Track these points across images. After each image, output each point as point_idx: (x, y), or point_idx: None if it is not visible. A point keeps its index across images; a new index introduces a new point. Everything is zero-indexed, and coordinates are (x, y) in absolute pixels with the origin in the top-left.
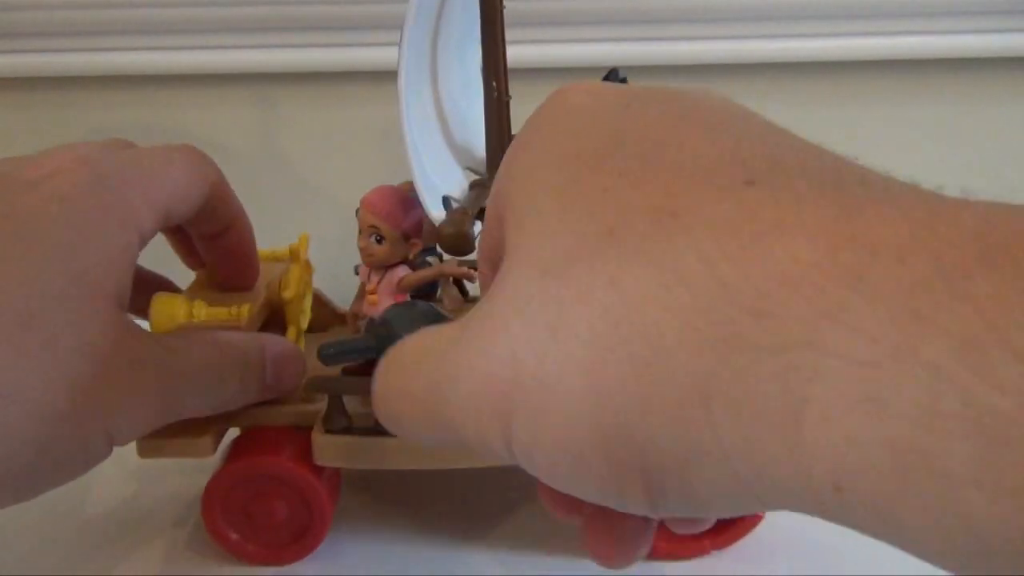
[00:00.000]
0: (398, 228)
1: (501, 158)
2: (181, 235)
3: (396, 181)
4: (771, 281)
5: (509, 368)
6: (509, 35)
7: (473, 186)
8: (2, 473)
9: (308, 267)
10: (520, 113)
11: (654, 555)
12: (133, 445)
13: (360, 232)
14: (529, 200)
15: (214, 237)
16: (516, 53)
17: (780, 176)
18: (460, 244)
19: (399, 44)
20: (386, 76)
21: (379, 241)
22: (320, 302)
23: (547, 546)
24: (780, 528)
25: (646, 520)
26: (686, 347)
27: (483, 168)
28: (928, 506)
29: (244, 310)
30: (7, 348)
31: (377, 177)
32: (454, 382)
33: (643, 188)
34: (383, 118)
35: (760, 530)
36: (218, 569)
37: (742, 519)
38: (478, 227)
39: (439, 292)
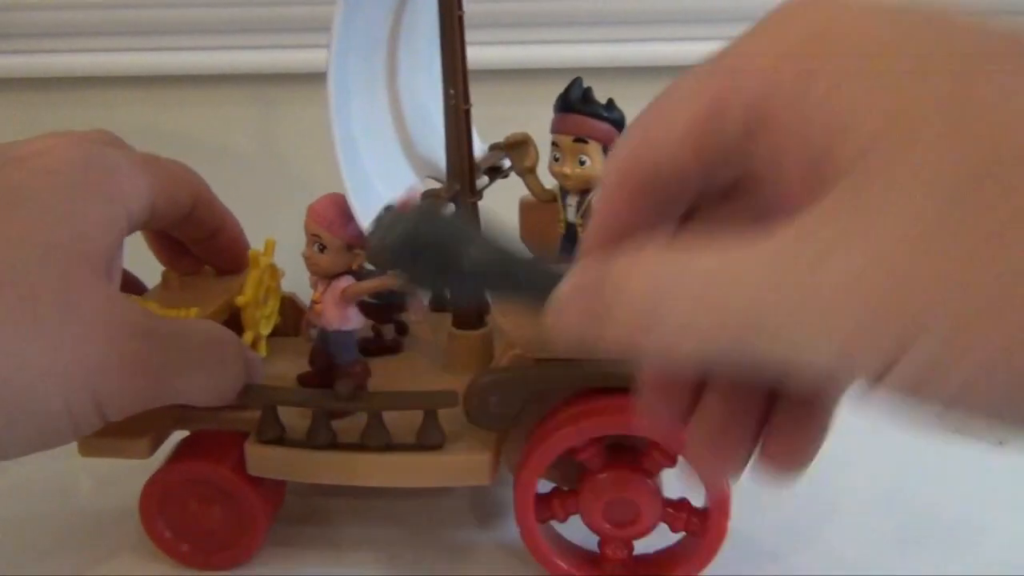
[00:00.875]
0: (339, 237)
1: (460, 167)
2: (165, 241)
3: None
4: None
5: (911, 298)
6: (512, 35)
7: (425, 196)
8: None
9: (274, 272)
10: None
11: None
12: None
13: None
14: (892, 122)
15: (205, 240)
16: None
17: None
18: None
19: (328, 48)
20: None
21: (322, 250)
22: (293, 306)
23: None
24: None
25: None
26: None
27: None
28: None
29: (192, 313)
30: None
31: None
32: (797, 311)
33: None
34: None
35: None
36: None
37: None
38: None
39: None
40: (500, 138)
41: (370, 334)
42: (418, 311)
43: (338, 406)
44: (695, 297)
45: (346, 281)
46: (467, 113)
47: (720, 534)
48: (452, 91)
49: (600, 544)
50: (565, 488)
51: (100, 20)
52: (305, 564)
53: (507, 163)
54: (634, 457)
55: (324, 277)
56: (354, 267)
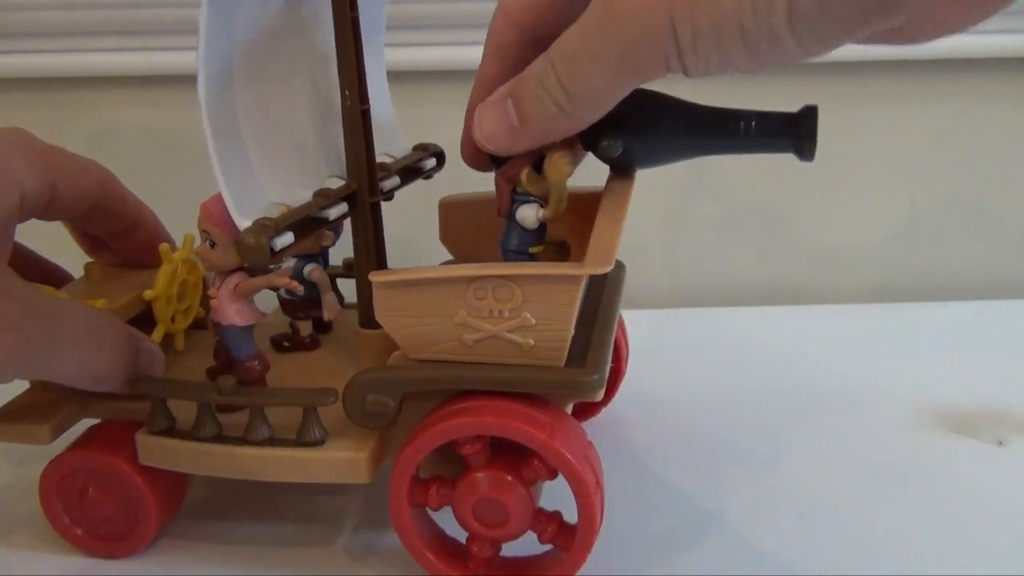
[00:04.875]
0: (228, 234)
1: (358, 167)
2: (87, 235)
3: None
4: None
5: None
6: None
7: (316, 195)
8: None
9: (193, 267)
10: None
11: None
12: None
13: None
14: None
15: (121, 235)
16: None
17: None
18: (256, 256)
19: (196, 48)
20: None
21: (212, 246)
22: None
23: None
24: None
25: None
26: None
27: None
28: None
29: (99, 304)
30: None
31: None
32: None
33: None
34: None
35: None
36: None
37: None
38: (287, 238)
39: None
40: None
41: (287, 330)
42: (332, 309)
43: (218, 400)
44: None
45: (238, 277)
46: (364, 114)
47: (583, 553)
48: (347, 92)
49: (468, 540)
50: (446, 478)
51: (100, 20)
52: (204, 559)
53: (428, 164)
54: (515, 463)
55: (218, 273)
56: (246, 264)
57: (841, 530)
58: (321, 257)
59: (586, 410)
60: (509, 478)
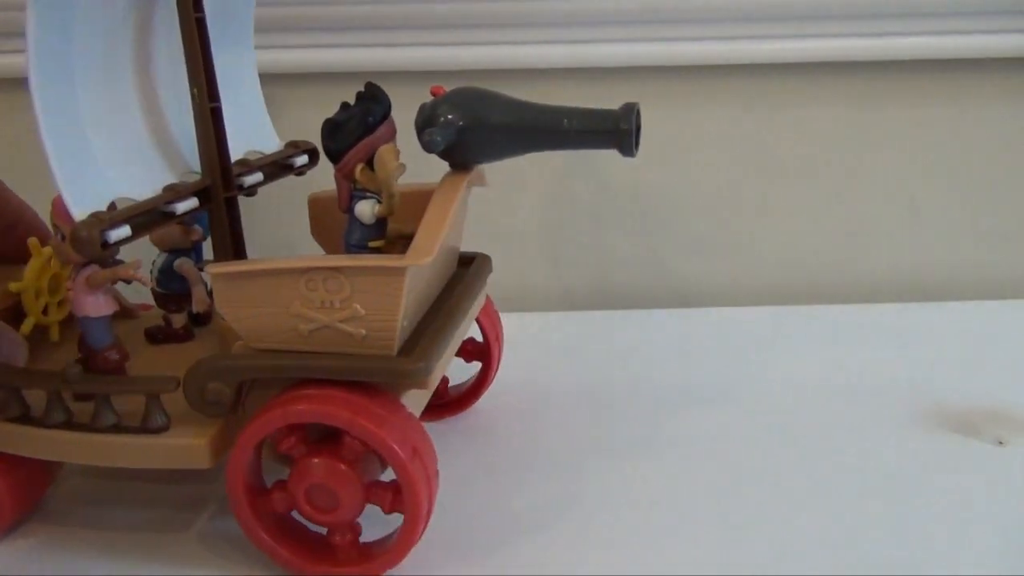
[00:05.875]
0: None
1: (210, 162)
2: None
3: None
4: None
5: None
6: (516, 35)
7: (166, 189)
8: None
9: None
10: None
11: None
12: None
13: None
14: None
15: (0, 233)
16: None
17: None
18: (87, 249)
19: (27, 51)
20: (385, 76)
21: (64, 240)
22: None
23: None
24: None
25: None
26: None
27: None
28: None
29: None
30: None
31: None
32: None
33: None
34: None
35: None
36: None
37: None
38: (122, 232)
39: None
40: None
41: (160, 322)
42: (201, 302)
43: (62, 388)
44: None
45: (90, 270)
46: (215, 111)
47: (407, 545)
48: (195, 90)
49: (328, 532)
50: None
51: None
52: (61, 545)
53: (300, 161)
54: (333, 446)
55: (73, 265)
56: (81, 256)
57: (837, 530)
58: (193, 251)
59: (454, 404)
60: (329, 461)
